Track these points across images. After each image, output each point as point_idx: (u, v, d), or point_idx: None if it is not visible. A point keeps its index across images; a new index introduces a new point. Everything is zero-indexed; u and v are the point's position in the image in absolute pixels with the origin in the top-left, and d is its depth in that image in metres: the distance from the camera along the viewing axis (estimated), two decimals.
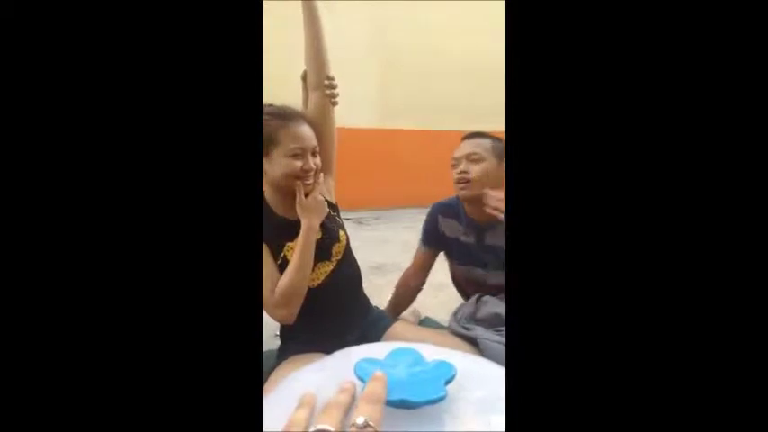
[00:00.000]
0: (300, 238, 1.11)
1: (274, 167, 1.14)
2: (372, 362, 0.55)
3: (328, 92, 1.23)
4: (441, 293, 1.66)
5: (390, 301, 1.56)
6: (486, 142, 1.35)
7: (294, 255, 1.11)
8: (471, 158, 1.32)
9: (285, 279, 1.10)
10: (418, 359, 0.56)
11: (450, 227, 1.47)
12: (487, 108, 5.45)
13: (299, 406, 0.45)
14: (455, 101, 5.23)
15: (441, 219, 1.49)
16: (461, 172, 1.31)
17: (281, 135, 1.12)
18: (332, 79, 1.23)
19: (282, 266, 1.13)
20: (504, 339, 1.15)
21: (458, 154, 1.35)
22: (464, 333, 1.22)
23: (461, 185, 1.32)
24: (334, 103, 1.25)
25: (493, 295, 1.36)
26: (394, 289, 1.56)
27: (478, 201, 1.27)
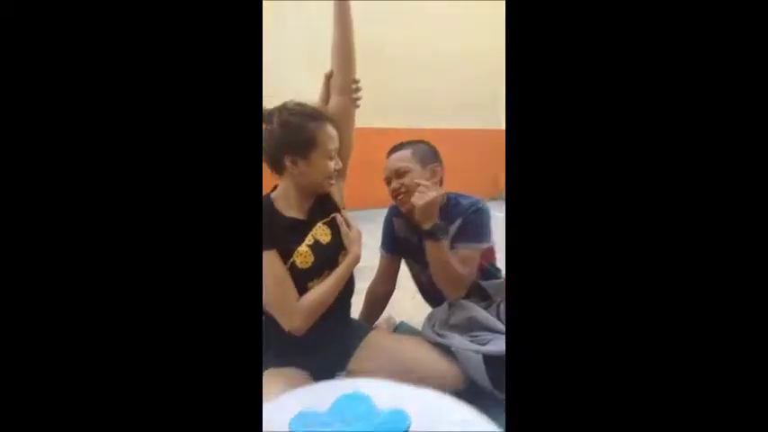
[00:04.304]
0: (343, 268, 1.15)
1: (313, 170, 1.14)
2: (313, 416, 0.51)
3: (354, 95, 1.23)
4: (417, 296, 1.64)
5: (362, 310, 1.53)
6: (407, 152, 1.38)
7: (332, 277, 1.14)
8: (398, 173, 1.35)
9: (316, 295, 1.11)
10: (368, 410, 0.53)
11: (402, 228, 1.47)
12: (463, 106, 5.46)
13: None
14: (431, 99, 5.21)
15: (395, 221, 1.49)
16: (393, 189, 1.36)
17: (321, 137, 1.13)
18: (358, 82, 1.24)
19: (291, 273, 1.12)
20: (480, 347, 1.15)
21: (387, 172, 1.39)
22: (439, 341, 1.20)
23: (398, 200, 1.36)
24: (357, 106, 1.26)
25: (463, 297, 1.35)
26: (364, 300, 1.54)
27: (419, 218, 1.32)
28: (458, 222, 1.34)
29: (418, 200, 1.22)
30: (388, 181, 1.39)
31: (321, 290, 1.12)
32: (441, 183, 1.40)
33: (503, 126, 5.77)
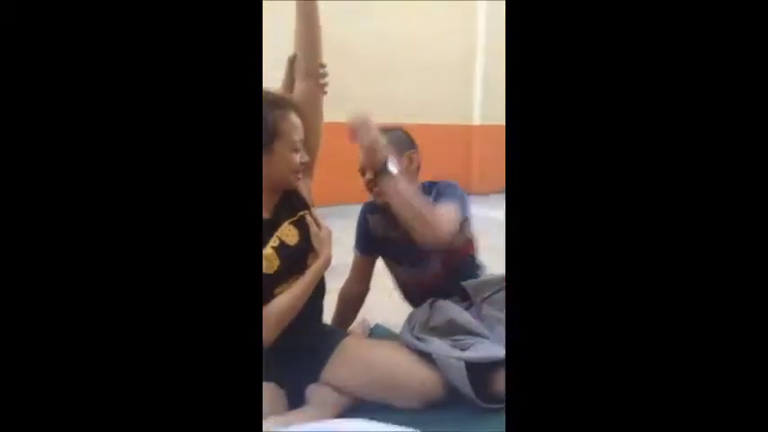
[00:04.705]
0: (313, 272, 1.06)
1: (276, 163, 1.02)
2: None
3: (322, 81, 1.12)
4: (394, 294, 1.56)
5: (335, 313, 1.44)
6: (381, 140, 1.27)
7: (301, 282, 1.04)
8: None
9: (282, 302, 1.02)
10: None
11: (379, 225, 1.38)
12: (441, 102, 5.43)
13: None
14: (406, 94, 5.14)
15: (370, 218, 1.40)
16: (368, 180, 1.25)
17: (284, 126, 1.02)
18: (324, 66, 1.13)
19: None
20: (461, 354, 1.09)
21: (361, 161, 1.28)
22: (418, 347, 1.13)
23: (374, 191, 1.26)
24: (324, 92, 1.15)
25: (444, 297, 1.29)
26: (336, 303, 1.45)
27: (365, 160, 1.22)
28: (432, 193, 1.28)
29: (364, 138, 1.13)
30: (363, 171, 1.28)
31: (288, 297, 1.03)
32: (418, 171, 1.33)
33: (475, 122, 5.76)
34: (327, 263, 1.09)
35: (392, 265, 1.44)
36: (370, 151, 1.14)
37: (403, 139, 1.31)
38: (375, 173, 1.16)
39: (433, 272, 1.33)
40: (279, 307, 1.01)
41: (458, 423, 1.07)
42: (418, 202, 1.15)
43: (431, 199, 1.27)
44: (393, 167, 1.15)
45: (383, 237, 1.38)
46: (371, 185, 1.25)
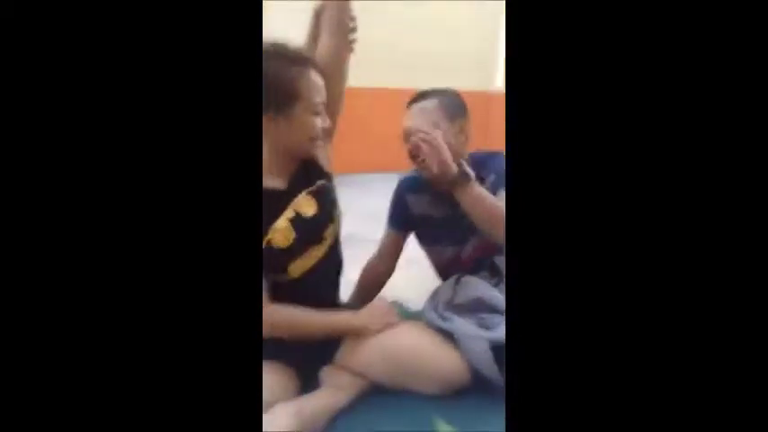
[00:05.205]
0: (339, 324, 1.02)
1: (295, 129, 0.93)
2: None
3: (351, 37, 1.01)
4: (412, 270, 1.46)
5: (355, 291, 1.35)
6: (432, 103, 1.14)
7: (320, 321, 0.99)
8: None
9: (295, 319, 0.97)
10: None
11: (422, 204, 1.27)
12: (459, 64, 5.22)
13: None
14: (423, 57, 4.95)
15: (409, 197, 1.28)
16: (414, 147, 1.10)
17: (304, 87, 0.91)
18: (354, 20, 1.01)
19: (266, 255, 0.94)
20: (487, 334, 1.00)
21: (406, 124, 1.15)
22: (441, 325, 1.04)
23: (420, 164, 1.12)
24: (352, 50, 1.03)
25: (472, 273, 1.19)
26: (358, 278, 1.36)
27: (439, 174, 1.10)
28: (491, 178, 1.16)
29: (433, 164, 1.03)
30: (407, 136, 1.15)
31: (300, 317, 0.96)
32: (467, 142, 1.19)
33: (494, 87, 5.55)
34: (360, 329, 1.03)
35: (432, 245, 1.33)
36: (444, 168, 1.03)
37: (455, 104, 1.18)
38: (449, 182, 1.06)
39: (470, 251, 1.25)
40: (284, 317, 0.96)
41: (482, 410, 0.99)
42: (497, 205, 1.05)
43: (488, 183, 1.16)
44: (469, 171, 1.06)
45: (422, 215, 1.27)
46: (416, 153, 1.11)
